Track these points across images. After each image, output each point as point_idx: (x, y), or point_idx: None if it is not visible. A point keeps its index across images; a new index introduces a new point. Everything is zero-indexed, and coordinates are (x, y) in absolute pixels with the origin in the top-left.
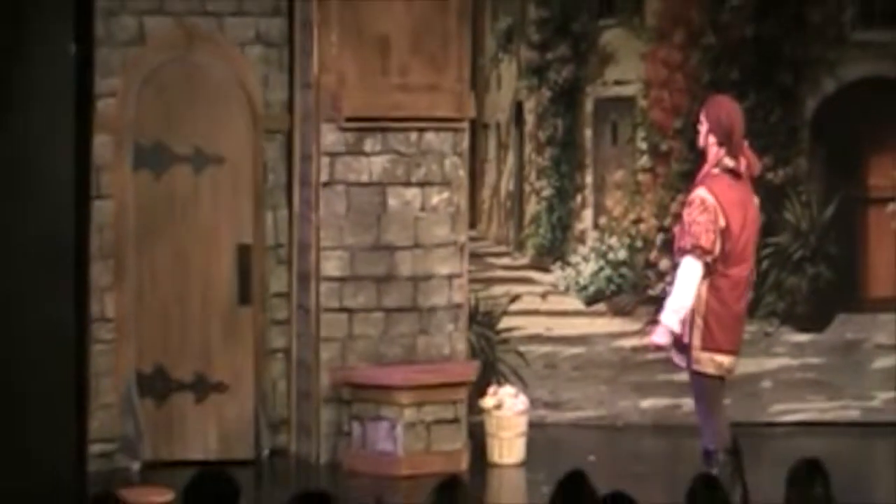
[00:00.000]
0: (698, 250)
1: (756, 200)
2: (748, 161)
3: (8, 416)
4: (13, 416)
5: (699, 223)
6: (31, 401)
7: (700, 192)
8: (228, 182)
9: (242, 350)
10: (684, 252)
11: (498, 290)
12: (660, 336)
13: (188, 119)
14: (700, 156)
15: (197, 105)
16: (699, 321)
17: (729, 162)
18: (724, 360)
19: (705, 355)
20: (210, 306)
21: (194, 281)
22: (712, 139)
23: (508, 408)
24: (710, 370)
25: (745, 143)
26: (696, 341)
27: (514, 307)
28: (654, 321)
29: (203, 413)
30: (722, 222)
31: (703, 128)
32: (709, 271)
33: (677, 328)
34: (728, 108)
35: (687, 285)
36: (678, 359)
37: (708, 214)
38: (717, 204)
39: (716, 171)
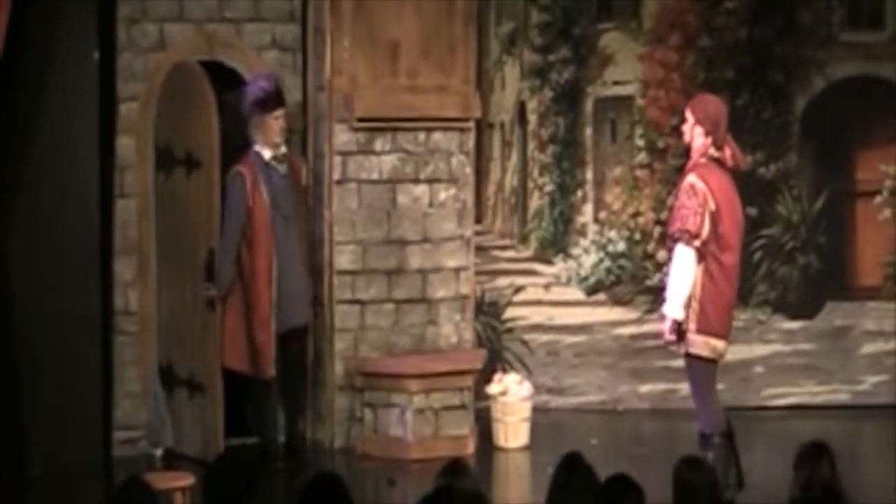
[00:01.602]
0: (686, 235)
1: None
2: (733, 152)
3: (38, 403)
4: (44, 403)
5: (687, 207)
6: (59, 388)
7: (690, 178)
8: (205, 185)
9: (213, 353)
10: (674, 239)
11: (503, 281)
12: (670, 332)
13: (183, 123)
14: (688, 151)
15: (193, 109)
16: (695, 305)
17: (715, 152)
18: (718, 343)
19: (700, 338)
20: (197, 307)
21: (189, 282)
22: (699, 130)
23: (513, 394)
24: (705, 353)
25: (729, 137)
26: (692, 325)
27: (518, 298)
28: (651, 310)
29: (192, 409)
30: (712, 205)
31: (689, 122)
32: (702, 256)
33: (680, 316)
34: (715, 102)
35: (681, 273)
36: (676, 345)
37: (696, 198)
38: (707, 188)
39: (703, 160)
